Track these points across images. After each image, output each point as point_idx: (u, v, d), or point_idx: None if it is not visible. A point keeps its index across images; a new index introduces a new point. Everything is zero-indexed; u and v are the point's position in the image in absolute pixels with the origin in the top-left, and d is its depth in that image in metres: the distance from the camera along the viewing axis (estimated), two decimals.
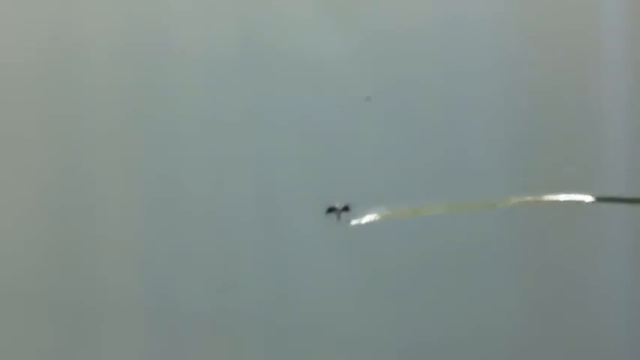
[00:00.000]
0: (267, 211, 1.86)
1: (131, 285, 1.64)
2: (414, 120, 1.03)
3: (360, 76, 1.07)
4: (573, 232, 1.11)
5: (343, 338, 1.85)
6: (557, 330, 1.70)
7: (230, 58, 1.00)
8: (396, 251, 1.67)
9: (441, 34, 1.09)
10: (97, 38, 0.96)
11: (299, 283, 1.91)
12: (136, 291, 1.60)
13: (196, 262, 1.99)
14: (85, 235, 1.17)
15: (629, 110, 1.21)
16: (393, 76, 1.08)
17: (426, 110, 1.06)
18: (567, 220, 1.16)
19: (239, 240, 1.97)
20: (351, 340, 1.78)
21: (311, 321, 1.86)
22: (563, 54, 1.16)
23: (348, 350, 1.83)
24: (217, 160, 1.89)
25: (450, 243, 1.69)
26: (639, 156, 1.26)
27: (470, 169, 1.05)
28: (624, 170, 1.24)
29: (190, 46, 0.99)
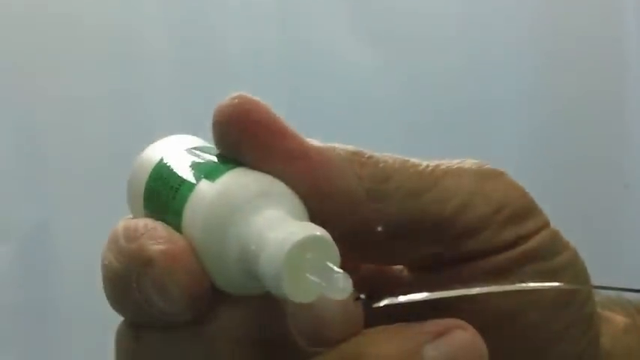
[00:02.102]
0: None
1: None
2: (445, 143, 1.03)
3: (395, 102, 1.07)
4: None
5: None
6: None
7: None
8: None
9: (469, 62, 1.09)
10: (147, 35, 0.97)
11: None
12: None
13: None
14: None
15: None
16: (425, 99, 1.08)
17: (458, 131, 1.07)
18: None
19: None
20: None
21: None
22: (591, 86, 1.14)
23: None
24: None
25: None
26: None
27: None
28: None
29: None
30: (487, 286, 0.30)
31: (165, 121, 0.99)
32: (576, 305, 0.32)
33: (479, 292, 0.30)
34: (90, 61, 1.00)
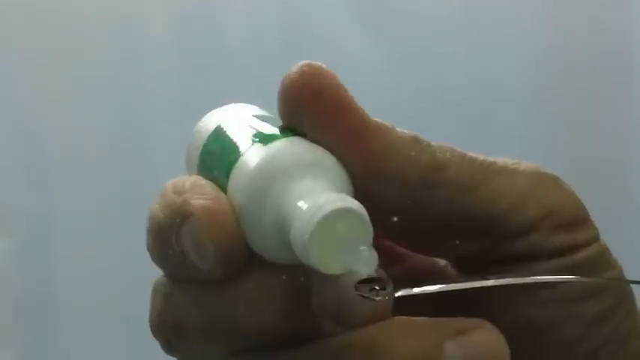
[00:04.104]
0: None
1: None
2: (445, 125, 1.03)
3: (392, 82, 1.07)
4: None
5: None
6: None
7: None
8: None
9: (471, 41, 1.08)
10: (149, 18, 0.97)
11: None
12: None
13: None
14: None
15: None
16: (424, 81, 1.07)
17: (459, 113, 1.06)
18: None
19: None
20: None
21: None
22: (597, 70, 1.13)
23: None
24: None
25: None
26: None
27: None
28: None
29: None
30: (505, 281, 0.30)
31: (166, 112, 0.99)
32: (615, 321, 0.32)
33: (493, 284, 0.30)
34: (91, 53, 1.01)
